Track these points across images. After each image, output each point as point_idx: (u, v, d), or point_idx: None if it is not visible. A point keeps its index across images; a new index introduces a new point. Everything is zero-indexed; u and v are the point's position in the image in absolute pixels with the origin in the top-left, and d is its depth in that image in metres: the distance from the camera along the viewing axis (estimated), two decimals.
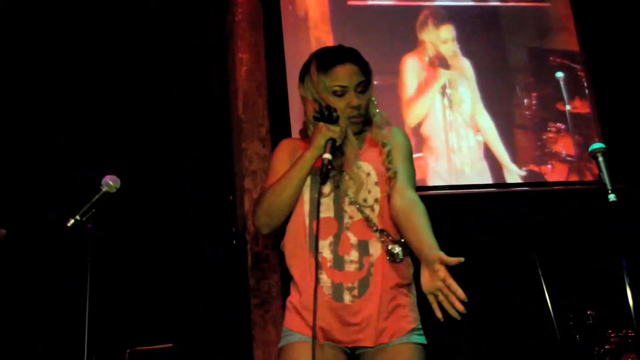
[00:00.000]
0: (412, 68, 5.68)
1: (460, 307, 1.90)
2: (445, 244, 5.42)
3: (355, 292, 2.11)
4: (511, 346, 5.18)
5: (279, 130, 5.06)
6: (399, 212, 2.10)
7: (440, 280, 1.90)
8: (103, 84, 5.04)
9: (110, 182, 2.50)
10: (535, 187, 5.73)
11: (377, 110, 2.36)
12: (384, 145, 2.29)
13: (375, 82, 2.39)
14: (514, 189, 5.70)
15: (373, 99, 2.35)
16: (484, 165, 5.60)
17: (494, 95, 5.84)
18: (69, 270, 3.50)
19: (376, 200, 2.19)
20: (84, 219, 2.38)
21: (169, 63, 5.28)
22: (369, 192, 2.20)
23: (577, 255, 5.29)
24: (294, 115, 5.17)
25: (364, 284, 2.12)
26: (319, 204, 2.06)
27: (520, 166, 5.76)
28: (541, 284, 4.37)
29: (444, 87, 5.71)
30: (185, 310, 4.84)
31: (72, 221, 2.38)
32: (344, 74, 2.26)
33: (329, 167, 2.05)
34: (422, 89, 5.65)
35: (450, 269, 1.92)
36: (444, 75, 5.75)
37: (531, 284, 4.49)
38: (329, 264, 2.13)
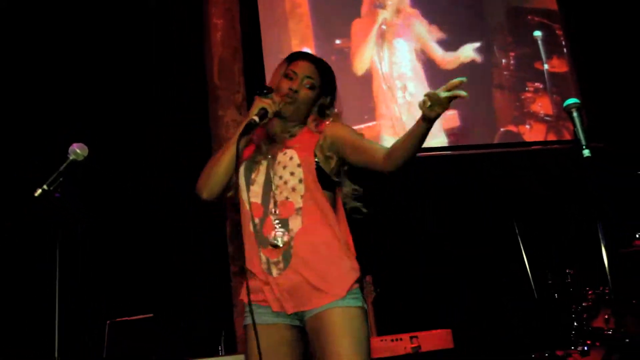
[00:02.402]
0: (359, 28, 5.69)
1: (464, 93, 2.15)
2: (423, 206, 5.45)
3: (281, 265, 2.33)
4: (490, 307, 5.24)
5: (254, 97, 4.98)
6: (388, 156, 2.32)
7: (443, 96, 2.13)
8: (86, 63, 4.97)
9: (78, 150, 2.44)
10: (514, 147, 5.74)
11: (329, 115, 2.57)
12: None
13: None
14: (492, 149, 5.71)
15: (329, 111, 2.56)
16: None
17: (471, 54, 5.81)
18: (41, 244, 3.46)
19: (300, 181, 2.40)
20: (51, 188, 2.33)
21: (146, 32, 5.19)
22: (292, 174, 2.40)
23: (556, 215, 5.33)
24: (270, 81, 5.10)
25: (286, 258, 2.33)
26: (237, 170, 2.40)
27: (498, 127, 5.75)
28: (519, 244, 4.38)
29: (381, 32, 5.68)
30: (164, 280, 4.82)
31: (39, 191, 2.33)
32: (301, 65, 2.55)
33: (254, 125, 2.36)
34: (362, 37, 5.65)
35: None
36: (381, 15, 5.71)
37: (509, 245, 4.51)
38: (261, 242, 2.37)
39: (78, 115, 4.79)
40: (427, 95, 2.14)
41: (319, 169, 2.42)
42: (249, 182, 2.43)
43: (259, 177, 2.44)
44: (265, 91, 2.45)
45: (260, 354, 2.22)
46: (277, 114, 2.45)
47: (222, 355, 3.64)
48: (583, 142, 2.63)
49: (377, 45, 5.66)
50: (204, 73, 5.21)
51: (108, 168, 4.71)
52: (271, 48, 5.40)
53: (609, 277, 2.66)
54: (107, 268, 4.73)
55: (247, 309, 2.39)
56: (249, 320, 2.38)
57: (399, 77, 5.66)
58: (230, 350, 4.39)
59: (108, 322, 4.32)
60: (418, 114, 2.21)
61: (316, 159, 2.43)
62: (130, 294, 4.68)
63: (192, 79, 5.27)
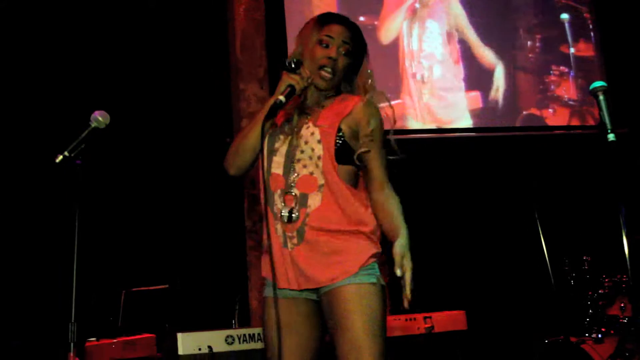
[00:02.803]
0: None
1: (405, 303, 2.14)
2: (439, 190, 5.42)
3: (295, 240, 2.30)
4: (505, 290, 5.23)
5: (277, 71, 4.96)
6: (377, 206, 2.34)
7: (399, 271, 2.17)
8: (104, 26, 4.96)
9: (100, 118, 2.43)
10: (536, 131, 5.68)
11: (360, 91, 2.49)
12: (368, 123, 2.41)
13: None
14: (513, 133, 5.66)
15: (366, 84, 2.47)
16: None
17: (496, 37, 5.74)
18: (61, 210, 3.48)
19: (319, 157, 2.34)
20: (72, 154, 2.33)
21: (169, 4, 5.18)
22: (313, 150, 2.34)
23: (576, 201, 5.28)
24: (297, 45, 5.08)
25: (300, 233, 2.29)
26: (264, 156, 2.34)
27: (521, 110, 5.70)
28: (537, 228, 4.35)
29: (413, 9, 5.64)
30: (181, 252, 4.85)
31: (60, 157, 2.33)
32: (335, 30, 2.41)
33: (280, 106, 2.28)
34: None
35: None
36: None
37: (528, 229, 4.48)
38: (279, 215, 2.34)
39: (101, 83, 4.80)
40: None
41: (342, 144, 2.34)
42: (273, 152, 2.37)
43: (282, 148, 2.38)
44: (293, 65, 2.33)
45: (279, 326, 2.23)
46: (308, 87, 2.37)
47: (235, 328, 3.66)
48: (608, 126, 2.59)
49: (407, 20, 5.62)
50: (227, 46, 5.20)
51: (128, 138, 4.73)
52: (294, 22, 5.34)
53: (628, 265, 2.62)
54: (125, 238, 4.76)
55: (267, 282, 2.38)
56: (267, 293, 2.38)
57: (426, 57, 5.61)
58: (244, 324, 4.42)
59: (124, 291, 4.37)
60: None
61: (341, 134, 2.35)
62: (147, 265, 4.72)
63: (215, 52, 5.26)
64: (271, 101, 2.32)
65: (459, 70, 5.67)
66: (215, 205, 4.99)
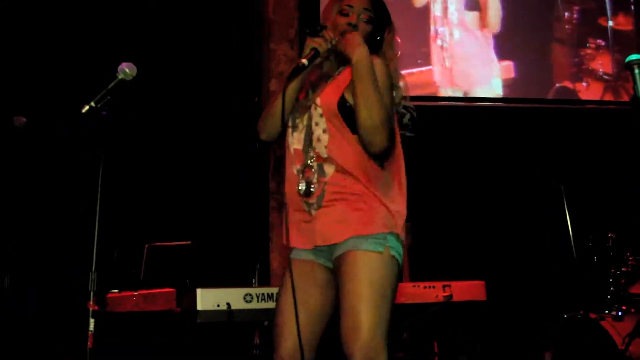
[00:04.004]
0: None
1: None
2: (466, 159, 5.38)
3: (315, 206, 2.32)
4: (526, 263, 5.21)
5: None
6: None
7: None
8: None
9: (127, 70, 2.43)
10: (568, 104, 5.59)
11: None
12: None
13: None
14: (545, 105, 5.58)
15: (391, 51, 2.46)
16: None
17: (533, 6, 5.63)
18: (86, 161, 3.52)
19: (324, 131, 2.35)
20: (99, 105, 2.34)
21: None
22: (317, 124, 2.37)
23: (605, 177, 5.21)
24: (321, 20, 5.04)
25: (320, 199, 2.32)
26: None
27: (554, 82, 5.60)
28: (563, 202, 4.30)
29: None
30: (205, 210, 4.89)
31: (87, 107, 2.34)
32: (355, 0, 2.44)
33: (302, 68, 2.26)
34: None
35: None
36: None
37: (553, 202, 4.44)
38: (300, 188, 2.34)
39: (132, 36, 4.80)
40: None
41: (351, 113, 2.31)
42: (294, 127, 2.41)
43: (300, 124, 2.41)
44: (316, 29, 2.33)
45: (294, 289, 2.24)
46: (332, 53, 2.36)
47: (254, 287, 3.69)
48: None
49: None
50: (260, 6, 5.17)
51: (158, 93, 4.75)
52: None
53: None
54: (150, 193, 4.81)
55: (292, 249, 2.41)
56: (292, 255, 2.40)
57: (456, 24, 5.53)
58: (264, 283, 4.46)
59: (147, 245, 4.42)
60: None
61: (346, 102, 2.33)
62: (170, 220, 4.76)
63: (247, 11, 5.23)
64: (295, 65, 2.31)
65: (492, 39, 5.58)
66: (241, 164, 5.01)
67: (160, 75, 4.71)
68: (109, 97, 2.38)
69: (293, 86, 2.36)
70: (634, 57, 2.58)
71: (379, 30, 2.47)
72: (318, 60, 2.33)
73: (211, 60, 5.12)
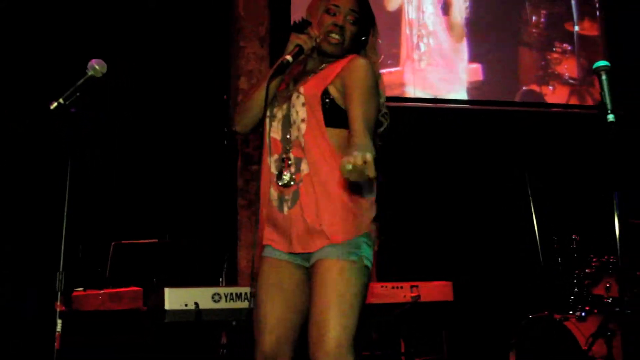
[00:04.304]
0: None
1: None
2: (434, 160, 5.40)
3: (289, 203, 2.32)
4: (494, 265, 5.26)
5: (279, 30, 4.92)
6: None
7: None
8: None
9: (96, 66, 2.40)
10: (534, 107, 5.66)
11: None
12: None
13: None
14: (512, 107, 5.64)
15: (374, 55, 2.49)
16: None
17: (501, 10, 5.69)
18: (54, 158, 3.47)
19: (302, 120, 2.34)
20: (67, 102, 2.30)
21: None
22: (297, 113, 2.36)
23: (569, 179, 5.29)
24: (295, 16, 5.03)
25: (295, 197, 2.31)
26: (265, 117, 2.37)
27: (521, 85, 5.66)
28: (530, 205, 4.36)
29: None
30: (172, 208, 4.84)
31: (55, 104, 2.31)
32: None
33: (286, 65, 2.29)
34: None
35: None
36: None
37: (520, 205, 4.49)
38: (275, 179, 2.36)
39: (100, 33, 4.74)
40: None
41: (331, 106, 2.32)
42: (272, 117, 2.41)
43: (279, 113, 2.41)
44: (300, 26, 2.35)
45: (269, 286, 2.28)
46: (315, 50, 2.39)
47: (222, 286, 3.67)
48: (609, 107, 2.57)
49: None
50: (230, 3, 5.13)
51: (123, 90, 4.68)
52: None
53: (618, 246, 2.62)
54: (117, 190, 4.75)
55: (267, 246, 2.40)
56: (265, 253, 2.40)
57: (422, 26, 5.56)
58: (232, 282, 4.44)
59: (113, 243, 4.36)
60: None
61: (327, 95, 2.33)
62: (137, 218, 4.71)
63: (217, 8, 5.19)
64: (279, 61, 2.32)
65: (461, 42, 5.63)
66: (208, 162, 4.97)
67: (128, 71, 4.65)
68: (78, 94, 2.34)
69: (275, 82, 2.37)
70: (601, 63, 2.62)
71: (364, 31, 2.48)
72: (302, 57, 2.35)
73: (180, 57, 5.07)
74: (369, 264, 2.28)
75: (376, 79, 2.37)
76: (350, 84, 2.30)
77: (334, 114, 2.32)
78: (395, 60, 5.40)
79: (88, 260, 4.42)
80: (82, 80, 2.39)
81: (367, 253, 2.29)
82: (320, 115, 2.32)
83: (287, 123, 2.38)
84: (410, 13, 5.52)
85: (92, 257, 4.43)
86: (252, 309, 2.40)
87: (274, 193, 2.35)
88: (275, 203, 2.35)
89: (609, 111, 2.54)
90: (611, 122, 2.52)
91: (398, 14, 5.53)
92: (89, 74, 2.42)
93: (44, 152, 4.32)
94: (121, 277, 4.25)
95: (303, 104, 2.35)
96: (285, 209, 2.32)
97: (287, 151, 2.36)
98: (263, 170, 2.42)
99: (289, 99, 2.40)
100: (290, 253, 2.35)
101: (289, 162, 2.34)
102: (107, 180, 4.73)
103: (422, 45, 5.51)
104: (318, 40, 2.37)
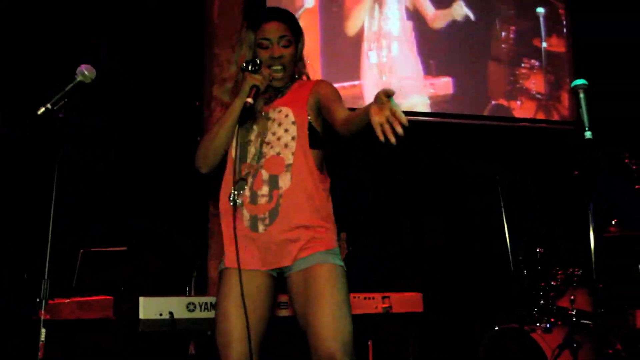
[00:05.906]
0: None
1: (400, 130, 2.10)
2: (402, 173, 5.41)
3: (267, 221, 2.35)
4: (465, 276, 5.32)
5: None
6: (344, 122, 2.33)
7: (388, 110, 2.10)
8: None
9: (86, 72, 2.38)
10: (502, 121, 5.76)
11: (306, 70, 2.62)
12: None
13: None
14: (480, 121, 5.72)
15: (305, 60, 2.61)
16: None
17: (471, 25, 5.77)
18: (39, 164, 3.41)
19: (293, 138, 2.41)
20: (55, 108, 2.28)
21: None
22: (286, 130, 2.42)
23: (536, 192, 5.38)
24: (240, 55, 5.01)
25: (273, 214, 2.35)
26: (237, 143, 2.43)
27: (490, 99, 5.75)
28: (502, 218, 4.43)
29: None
30: (142, 215, 4.79)
31: (42, 109, 2.27)
32: (269, 29, 2.49)
33: (251, 109, 2.37)
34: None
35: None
36: None
37: (491, 218, 4.57)
38: (247, 200, 2.38)
39: (85, 39, 4.69)
40: (383, 93, 2.12)
41: (310, 128, 2.44)
42: (247, 142, 2.45)
43: (251, 135, 2.47)
44: (254, 67, 2.42)
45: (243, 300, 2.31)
46: (269, 86, 2.48)
47: (197, 295, 3.64)
48: (586, 124, 2.64)
49: (370, 4, 5.60)
50: (204, 10, 5.11)
51: (93, 95, 4.61)
52: None
53: (593, 260, 2.70)
54: (85, 197, 4.67)
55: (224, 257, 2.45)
56: (226, 265, 2.44)
57: (384, 35, 5.59)
58: (201, 292, 4.40)
59: (81, 251, 4.29)
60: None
61: (308, 117, 2.45)
62: (106, 226, 4.64)
63: (191, 16, 5.17)
64: (237, 103, 2.41)
65: (430, 55, 5.69)
66: (179, 169, 4.93)
67: (100, 75, 4.58)
68: (66, 100, 2.31)
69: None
70: (579, 81, 2.70)
71: (300, 44, 2.58)
72: (259, 95, 2.43)
73: (153, 62, 5.04)
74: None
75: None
76: (324, 93, 2.45)
77: (312, 135, 2.44)
78: (356, 74, 5.44)
79: (56, 268, 4.32)
80: (70, 86, 2.37)
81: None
82: (307, 134, 2.43)
83: (259, 142, 2.45)
84: (371, 26, 5.56)
85: (59, 265, 4.34)
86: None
87: (245, 214, 2.38)
88: (247, 223, 2.37)
89: (586, 128, 2.61)
90: (588, 139, 2.59)
91: (360, 30, 5.57)
92: (78, 79, 2.39)
93: (31, 157, 4.24)
94: (88, 284, 4.18)
95: (293, 122, 2.43)
96: (261, 227, 2.36)
97: (261, 167, 2.40)
98: (224, 192, 2.44)
99: (261, 120, 2.47)
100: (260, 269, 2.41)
101: (263, 179, 2.39)
102: (74, 185, 4.64)
103: (389, 58, 5.54)
104: (271, 77, 2.46)
